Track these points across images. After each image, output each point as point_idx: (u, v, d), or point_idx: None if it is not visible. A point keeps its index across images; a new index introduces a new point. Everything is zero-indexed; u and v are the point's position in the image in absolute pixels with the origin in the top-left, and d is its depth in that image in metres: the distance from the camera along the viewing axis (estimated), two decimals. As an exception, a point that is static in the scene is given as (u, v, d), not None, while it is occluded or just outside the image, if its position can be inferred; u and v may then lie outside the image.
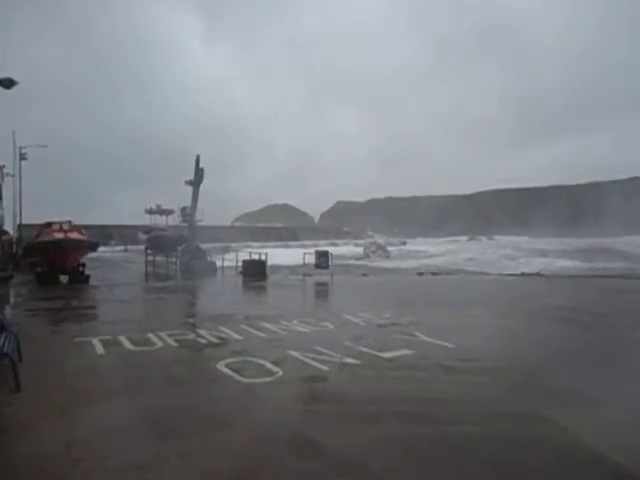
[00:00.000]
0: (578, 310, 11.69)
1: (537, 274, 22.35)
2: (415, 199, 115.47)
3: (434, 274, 22.28)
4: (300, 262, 23.42)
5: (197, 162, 25.59)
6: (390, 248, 47.10)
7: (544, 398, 5.32)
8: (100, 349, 7.58)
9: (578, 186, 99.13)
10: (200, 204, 27.02)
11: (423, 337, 8.36)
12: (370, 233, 47.86)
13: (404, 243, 64.60)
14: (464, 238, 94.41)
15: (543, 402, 5.16)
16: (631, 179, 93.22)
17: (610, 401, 5.26)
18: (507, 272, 24.97)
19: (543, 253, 47.67)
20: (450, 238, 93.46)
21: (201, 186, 25.66)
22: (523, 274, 22.62)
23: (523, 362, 6.93)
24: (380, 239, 56.28)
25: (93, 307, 13.42)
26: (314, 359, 6.83)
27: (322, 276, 20.76)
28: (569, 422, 4.57)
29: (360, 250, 44.14)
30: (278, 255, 34.32)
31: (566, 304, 12.64)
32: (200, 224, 27.29)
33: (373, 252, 40.07)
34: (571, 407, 5.04)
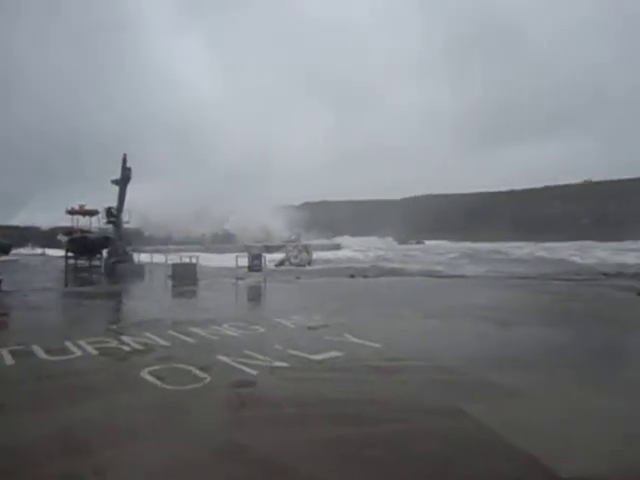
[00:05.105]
0: (496, 309, 12.39)
1: (461, 276, 23.51)
2: (351, 203, 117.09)
3: (365, 277, 22.77)
4: (233, 265, 23.10)
5: (124, 161, 24.60)
6: (321, 252, 46.94)
7: (466, 394, 5.56)
8: (9, 360, 7.00)
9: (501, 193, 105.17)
10: (128, 205, 25.96)
11: (352, 338, 8.50)
12: (294, 237, 46.07)
13: (337, 247, 65.45)
14: (394, 242, 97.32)
15: (464, 398, 5.39)
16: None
17: (528, 394, 5.58)
18: (443, 274, 26.00)
19: (470, 257, 50.16)
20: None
21: (128, 186, 24.63)
22: (452, 276, 23.72)
23: (447, 360, 7.20)
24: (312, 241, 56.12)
25: (3, 314, 12.39)
26: (243, 363, 6.72)
27: (255, 279, 20.58)
28: (488, 416, 4.80)
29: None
30: (211, 258, 33.59)
31: (487, 303, 13.36)
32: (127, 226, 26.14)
33: (295, 257, 37.95)
34: (490, 401, 5.31)
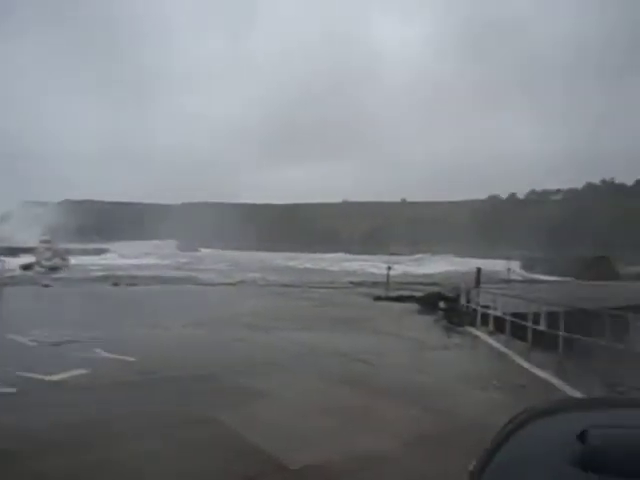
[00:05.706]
0: (259, 315, 13.02)
1: (230, 284, 24.10)
2: (125, 205, 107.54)
3: (131, 285, 21.27)
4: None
5: None
6: (83, 257, 41.64)
7: (219, 401, 5.68)
8: None
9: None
10: None
11: (104, 353, 7.79)
12: (46, 238, 38.29)
13: (104, 251, 59.43)
14: (175, 249, 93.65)
15: (217, 405, 5.50)
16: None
17: (275, 395, 5.98)
18: (215, 282, 26.00)
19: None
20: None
21: None
22: (221, 284, 24.02)
23: (204, 369, 7.23)
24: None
25: None
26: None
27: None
28: (236, 421, 4.97)
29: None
30: None
31: (252, 310, 13.94)
32: None
33: (48, 260, 31.94)
34: (240, 406, 5.50)
